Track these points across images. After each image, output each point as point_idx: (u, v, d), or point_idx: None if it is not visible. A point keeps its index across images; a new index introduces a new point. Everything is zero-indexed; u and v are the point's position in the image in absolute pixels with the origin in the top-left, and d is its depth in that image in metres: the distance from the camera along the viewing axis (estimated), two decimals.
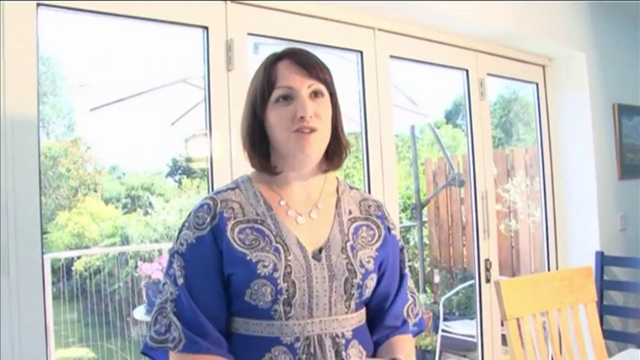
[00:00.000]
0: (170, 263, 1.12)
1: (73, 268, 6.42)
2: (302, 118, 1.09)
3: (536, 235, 4.22)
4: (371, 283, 1.15)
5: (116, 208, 9.05)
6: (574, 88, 3.21)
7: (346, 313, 1.13)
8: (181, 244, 1.12)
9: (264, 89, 1.12)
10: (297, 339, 1.08)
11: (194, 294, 1.09)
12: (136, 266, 5.46)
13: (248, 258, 1.08)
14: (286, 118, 1.10)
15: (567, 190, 3.23)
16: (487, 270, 2.70)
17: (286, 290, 1.07)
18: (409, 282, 1.26)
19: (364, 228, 1.19)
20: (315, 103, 1.12)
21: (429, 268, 5.37)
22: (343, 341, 1.11)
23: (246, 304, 1.08)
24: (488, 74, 2.91)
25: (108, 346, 5.25)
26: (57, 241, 6.85)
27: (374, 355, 1.18)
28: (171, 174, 9.48)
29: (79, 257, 6.72)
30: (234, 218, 1.12)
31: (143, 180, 9.00)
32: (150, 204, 8.41)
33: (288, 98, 1.11)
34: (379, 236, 1.20)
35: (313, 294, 1.09)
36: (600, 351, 1.87)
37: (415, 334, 1.26)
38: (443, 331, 4.23)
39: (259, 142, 1.15)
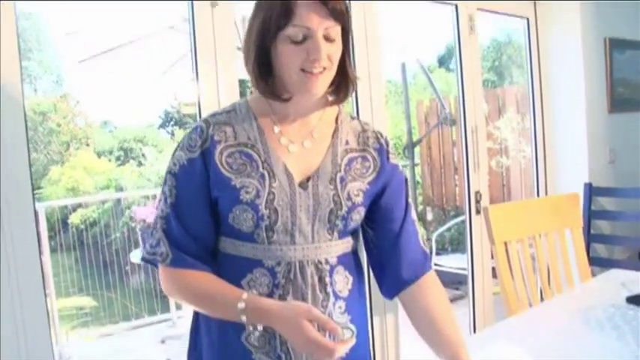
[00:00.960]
0: (165, 181, 1.15)
1: (69, 222, 6.46)
2: (314, 60, 1.07)
3: (527, 170, 4.27)
4: (357, 216, 1.16)
5: (109, 160, 9.04)
6: (565, 22, 3.18)
7: (329, 240, 1.14)
8: (174, 164, 1.14)
9: (280, 21, 1.06)
10: (279, 263, 1.11)
11: (182, 214, 1.11)
12: (131, 218, 5.51)
13: (232, 183, 1.09)
14: (298, 57, 1.07)
15: (557, 125, 3.25)
16: (477, 202, 2.74)
17: (268, 217, 1.09)
18: (414, 213, 1.25)
19: (359, 160, 1.18)
20: (329, 43, 1.09)
21: (421, 207, 5.45)
22: (327, 267, 1.13)
23: (231, 226, 1.11)
24: (479, 9, 2.87)
25: (108, 295, 5.34)
26: (51, 196, 6.86)
27: (403, 291, 1.19)
28: (163, 126, 9.42)
29: (74, 210, 6.76)
30: (225, 142, 1.13)
31: (135, 133, 8.96)
32: (143, 155, 8.41)
33: (303, 37, 1.07)
34: (374, 169, 1.19)
35: (296, 222, 1.11)
36: (585, 272, 1.94)
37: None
38: (435, 265, 4.33)
39: (265, 70, 1.12)
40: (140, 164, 8.49)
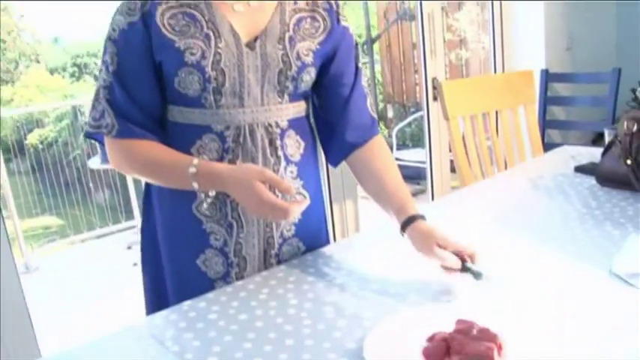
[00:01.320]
0: (105, 49, 1.09)
1: (26, 143, 6.30)
2: None
3: (486, 62, 4.27)
4: (307, 77, 1.13)
5: (63, 77, 8.73)
6: None
7: (280, 103, 1.12)
8: (113, 30, 1.08)
9: None
10: (227, 127, 1.08)
11: (126, 81, 1.07)
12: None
13: (176, 45, 1.05)
14: None
15: (516, 13, 3.21)
16: (434, 88, 2.73)
17: (215, 78, 1.05)
18: (364, 79, 1.23)
19: (308, 20, 1.14)
20: None
21: (382, 104, 5.44)
22: (278, 131, 1.12)
23: (177, 92, 1.07)
24: None
25: (72, 213, 5.32)
26: (5, 119, 6.61)
27: (350, 159, 1.18)
28: None
29: (31, 131, 6.57)
30: (166, 3, 1.06)
31: (88, 47, 8.61)
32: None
33: None
34: (324, 30, 1.15)
35: (244, 83, 1.07)
36: (537, 147, 1.97)
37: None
38: (397, 159, 4.38)
39: None
40: (97, 78, 8.21)
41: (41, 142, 6.42)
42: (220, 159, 1.09)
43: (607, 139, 1.57)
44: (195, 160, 1.03)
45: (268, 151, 1.11)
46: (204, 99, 1.07)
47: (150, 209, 1.20)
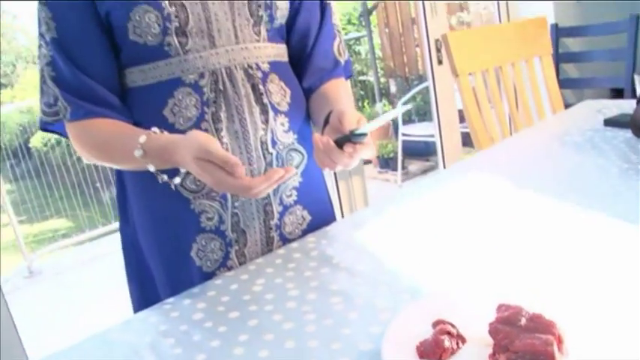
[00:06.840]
0: (38, 22, 0.92)
1: (30, 146, 6.19)
2: None
3: (490, 23, 4.06)
4: (283, 5, 0.98)
5: None
6: None
7: (257, 41, 0.96)
8: None
9: None
10: (202, 75, 0.92)
11: (69, 49, 0.90)
12: None
13: None
14: None
15: None
16: (438, 50, 2.53)
17: (176, 16, 0.88)
18: (334, 18, 1.09)
19: None
20: None
21: (384, 79, 5.21)
22: (259, 74, 0.96)
23: (134, 45, 0.90)
24: None
25: (79, 214, 5.22)
26: (7, 122, 6.49)
27: (308, 103, 1.06)
28: None
29: (33, 134, 6.45)
30: None
31: None
32: None
33: None
34: None
35: (211, 18, 0.91)
36: (557, 102, 1.79)
37: (346, 78, 1.12)
38: (403, 135, 4.19)
39: None
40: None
41: (45, 145, 6.30)
42: (202, 115, 0.92)
43: (639, 87, 1.41)
44: (142, 138, 0.86)
45: (252, 97, 0.95)
46: (168, 45, 0.90)
47: (125, 205, 1.04)
